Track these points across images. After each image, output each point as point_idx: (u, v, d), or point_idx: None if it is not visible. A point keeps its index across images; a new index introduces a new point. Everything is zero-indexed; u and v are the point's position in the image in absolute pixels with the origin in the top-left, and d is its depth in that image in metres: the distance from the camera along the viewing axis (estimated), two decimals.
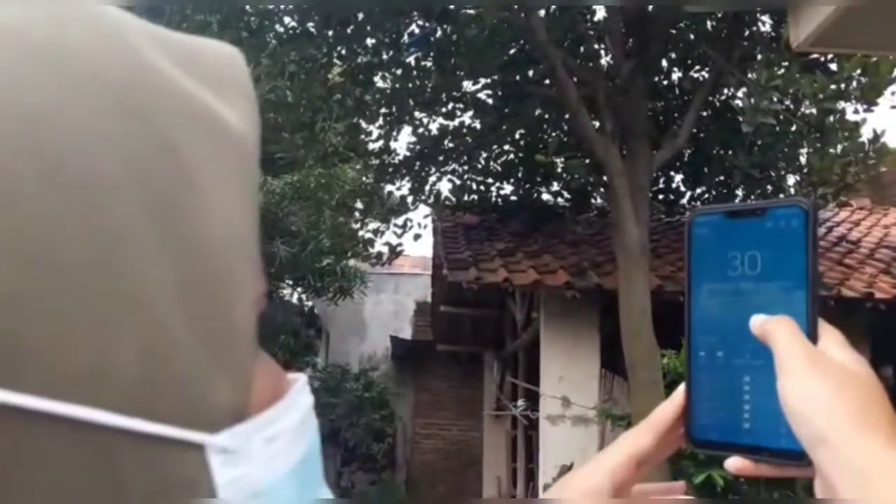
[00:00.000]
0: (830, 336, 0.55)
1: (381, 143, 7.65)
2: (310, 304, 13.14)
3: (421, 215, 8.88)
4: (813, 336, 0.54)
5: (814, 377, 0.51)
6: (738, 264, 0.57)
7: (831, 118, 5.74)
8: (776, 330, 0.54)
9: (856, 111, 6.33)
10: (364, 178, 7.88)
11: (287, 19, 6.30)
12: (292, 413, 0.36)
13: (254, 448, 0.32)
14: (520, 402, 8.84)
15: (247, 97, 0.36)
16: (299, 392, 0.39)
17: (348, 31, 6.51)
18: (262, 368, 0.36)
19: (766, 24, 6.56)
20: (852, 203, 9.85)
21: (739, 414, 0.57)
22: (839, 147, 6.02)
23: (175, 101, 0.31)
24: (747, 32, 6.29)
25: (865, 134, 6.35)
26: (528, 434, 8.77)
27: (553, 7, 6.42)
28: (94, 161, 0.28)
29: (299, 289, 11.94)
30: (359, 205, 8.13)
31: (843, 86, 5.83)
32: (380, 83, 7.15)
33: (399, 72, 7.03)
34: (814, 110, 5.81)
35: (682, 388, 0.60)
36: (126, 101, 0.29)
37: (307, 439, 0.37)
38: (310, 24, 6.44)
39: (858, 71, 5.66)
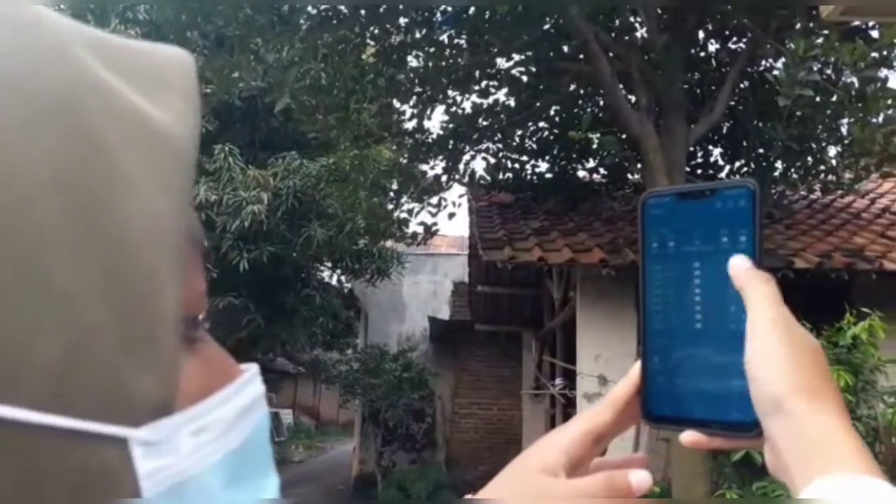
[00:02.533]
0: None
1: (414, 122, 7.67)
2: (349, 286, 13.31)
3: (456, 194, 8.88)
4: None
5: (781, 343, 0.53)
6: (689, 244, 0.60)
7: (872, 87, 5.57)
8: (755, 286, 0.56)
9: (881, 76, 6.14)
10: (398, 158, 7.92)
11: (318, 1, 6.34)
12: (229, 405, 0.38)
13: (180, 440, 0.33)
14: (557, 381, 8.84)
15: (185, 99, 0.37)
16: (244, 384, 0.40)
17: (380, 10, 6.53)
18: (203, 360, 0.37)
19: None
20: (894, 174, 9.57)
21: (692, 389, 0.58)
22: (881, 116, 5.85)
23: (103, 102, 0.32)
24: (785, 1, 6.13)
25: None
26: (566, 412, 8.78)
27: None
28: (15, 162, 0.28)
29: (338, 271, 12.11)
30: (393, 185, 8.17)
31: (884, 53, 5.66)
32: (412, 62, 7.16)
33: (432, 50, 7.04)
34: (854, 79, 5.65)
35: (638, 365, 0.62)
36: (52, 102, 0.30)
37: (246, 430, 0.38)
38: (341, 6, 6.48)
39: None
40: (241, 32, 5.94)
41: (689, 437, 0.58)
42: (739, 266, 0.57)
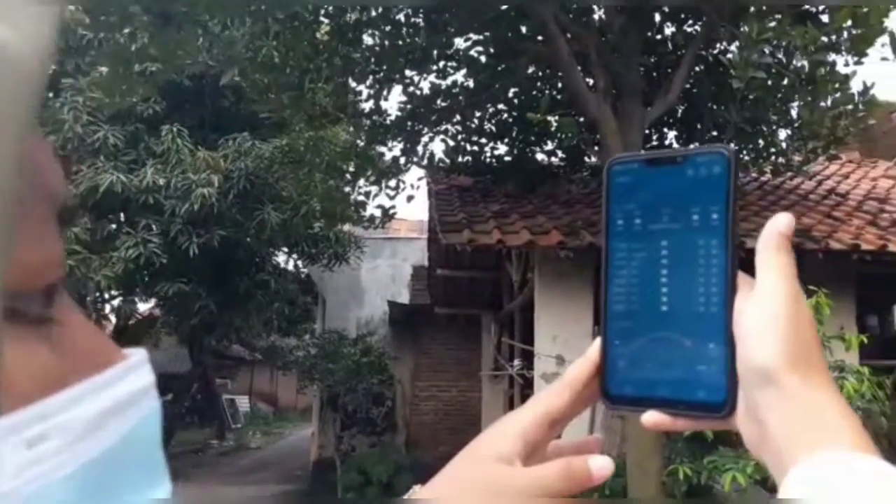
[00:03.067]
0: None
1: (371, 103, 7.55)
2: (306, 271, 13.16)
3: (414, 177, 8.82)
4: (732, 284, 0.53)
5: (788, 316, 0.50)
6: (657, 219, 0.56)
7: (822, 70, 5.66)
8: (778, 253, 0.53)
9: (846, 64, 6.26)
10: (355, 140, 7.79)
11: None
12: (90, 402, 0.30)
13: (5, 452, 0.27)
14: (516, 362, 8.89)
15: (32, 18, 0.31)
16: (119, 374, 0.33)
17: None
18: (57, 345, 0.30)
19: None
20: (842, 156, 9.83)
21: (655, 367, 0.56)
22: (829, 100, 5.96)
23: None
24: None
25: (855, 87, 6.30)
26: (524, 393, 8.83)
27: None
28: None
29: (294, 256, 11.94)
30: (350, 168, 8.04)
31: (833, 37, 5.76)
32: (368, 41, 7.03)
33: (388, 29, 6.91)
34: (805, 63, 5.74)
35: (597, 342, 0.59)
36: None
37: (116, 433, 0.31)
38: None
39: (849, 22, 5.59)
40: (188, 7, 5.73)
41: (651, 417, 0.55)
42: (772, 228, 0.54)
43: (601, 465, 0.54)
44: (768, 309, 0.51)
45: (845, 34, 5.41)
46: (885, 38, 5.92)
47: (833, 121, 6.56)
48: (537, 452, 0.55)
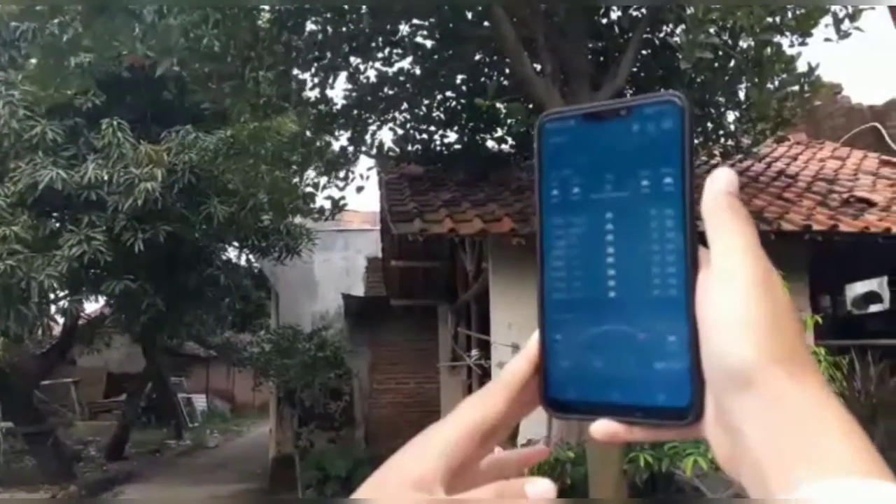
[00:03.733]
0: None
1: (316, 91, 7.36)
2: (258, 266, 12.92)
3: (364, 167, 8.66)
4: (693, 262, 0.44)
5: (759, 302, 0.41)
6: (599, 179, 0.48)
7: (768, 51, 5.68)
8: (732, 222, 0.43)
9: (791, 45, 6.29)
10: (300, 129, 7.58)
11: None
12: None
13: None
14: (473, 352, 8.84)
15: None
16: None
17: None
18: None
19: None
20: (790, 138, 9.97)
21: (605, 366, 0.47)
22: (776, 81, 5.98)
23: None
24: None
25: (800, 68, 6.34)
26: (482, 382, 8.79)
27: None
28: None
29: (245, 250, 11.70)
30: (296, 158, 7.85)
31: (778, 18, 5.77)
32: (311, 28, 6.83)
33: (330, 15, 6.73)
34: (751, 43, 5.74)
35: (535, 338, 0.50)
36: None
37: None
38: None
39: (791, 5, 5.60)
40: None
41: (602, 427, 0.46)
42: (714, 188, 0.45)
43: (541, 490, 0.45)
44: (736, 291, 0.41)
45: (790, 14, 5.42)
46: (828, 19, 5.96)
47: (780, 102, 6.61)
48: (467, 472, 0.46)
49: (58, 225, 9.98)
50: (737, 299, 0.41)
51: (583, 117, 0.49)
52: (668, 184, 0.45)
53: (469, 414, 0.47)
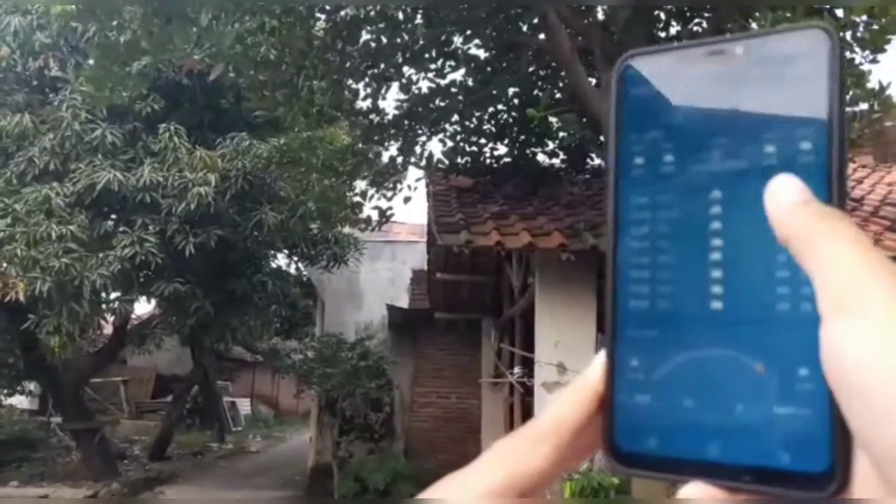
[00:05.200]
0: None
1: (368, 102, 7.37)
2: (306, 274, 13.01)
3: (412, 178, 8.63)
4: None
5: None
6: (703, 143, 0.35)
7: None
8: (831, 231, 0.30)
9: (861, 62, 6.02)
10: (352, 139, 7.59)
11: None
12: None
13: None
14: (516, 370, 8.68)
15: None
16: None
17: None
18: None
19: None
20: (855, 160, 9.57)
21: (702, 408, 0.34)
22: (846, 98, 5.73)
23: None
24: None
25: (870, 85, 6.06)
26: (524, 401, 8.61)
27: None
28: None
29: (295, 258, 11.78)
30: (346, 168, 7.86)
31: (849, 33, 5.53)
32: (365, 37, 6.84)
33: (385, 26, 6.72)
34: None
35: (599, 361, 0.37)
36: None
37: None
38: None
39: (864, 17, 5.36)
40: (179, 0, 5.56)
41: (696, 494, 0.33)
42: (785, 201, 0.32)
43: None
44: (877, 327, 0.28)
45: (862, 28, 5.18)
46: None
47: (848, 122, 6.32)
48: None
49: (112, 226, 10.21)
50: (882, 329, 0.28)
51: (682, 58, 0.36)
52: (806, 151, 0.32)
53: (502, 468, 0.36)
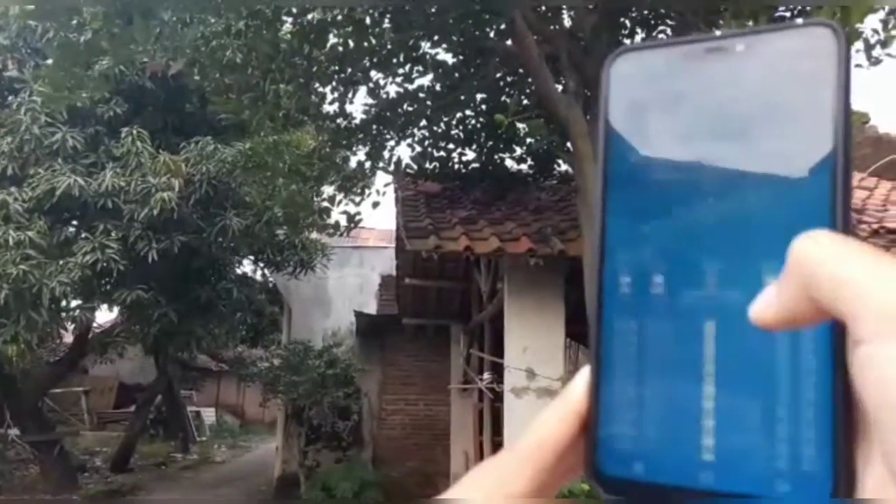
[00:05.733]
0: None
1: (335, 105, 7.31)
2: (272, 280, 12.86)
3: (381, 183, 8.58)
4: None
5: None
6: (698, 147, 0.32)
7: None
8: (869, 278, 0.27)
9: None
10: (318, 144, 7.51)
11: None
12: None
13: None
14: (485, 375, 8.67)
15: None
16: None
17: None
18: None
19: None
20: None
21: (695, 431, 0.31)
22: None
23: None
24: None
25: None
26: (494, 407, 8.60)
27: None
28: None
29: (260, 264, 11.64)
30: (313, 172, 7.79)
31: None
32: (332, 41, 6.79)
33: (352, 29, 6.68)
34: None
35: (580, 380, 0.35)
36: None
37: None
38: None
39: None
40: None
41: None
42: (811, 250, 0.28)
43: None
44: None
45: None
46: (859, 44, 5.82)
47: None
48: None
49: (73, 232, 9.98)
50: None
51: (678, 55, 0.34)
52: (810, 153, 0.30)
53: (479, 496, 0.34)
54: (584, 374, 0.35)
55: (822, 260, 0.28)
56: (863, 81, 7.97)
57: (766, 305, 0.29)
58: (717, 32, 0.34)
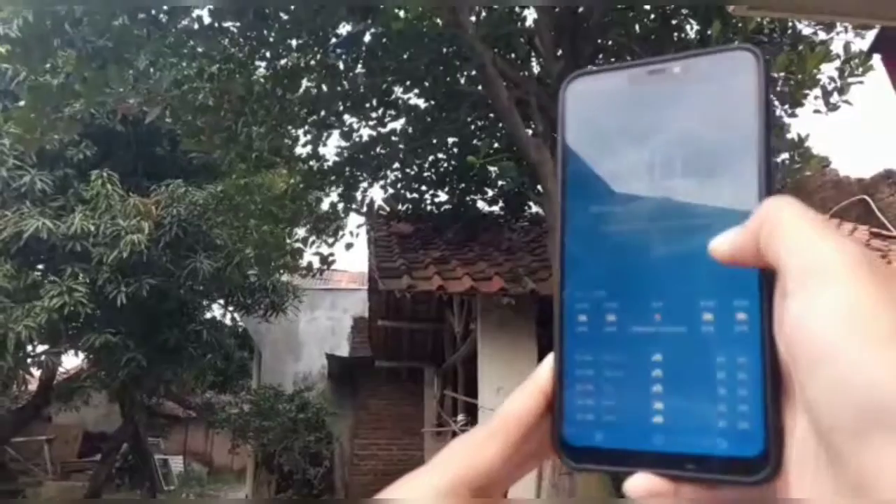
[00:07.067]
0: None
1: (308, 148, 7.35)
2: (242, 325, 12.71)
3: (354, 225, 8.60)
4: None
5: (884, 298, 0.28)
6: (647, 157, 0.37)
7: None
8: (792, 219, 0.31)
9: (780, 116, 6.35)
10: (290, 186, 7.53)
11: (199, 13, 5.97)
12: None
13: None
14: (459, 417, 8.61)
15: None
16: None
17: (272, 31, 6.24)
18: None
19: (693, 27, 6.57)
20: None
21: (646, 402, 0.36)
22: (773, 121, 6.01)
23: None
24: (676, 36, 6.27)
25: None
26: None
27: (482, 8, 6.29)
28: None
29: (230, 308, 11.51)
30: (286, 214, 7.79)
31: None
32: (306, 84, 6.87)
33: (325, 73, 6.77)
34: None
35: (547, 364, 0.39)
36: None
37: None
38: (229, 24, 6.15)
39: (783, 73, 5.67)
40: (115, 45, 5.49)
41: (641, 484, 0.34)
42: (772, 208, 0.33)
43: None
44: (839, 296, 0.29)
45: (780, 83, 5.47)
46: (817, 92, 6.04)
47: (774, 144, 6.61)
48: None
49: (40, 275, 9.81)
50: (846, 305, 0.28)
51: (624, 77, 0.38)
52: (736, 150, 0.35)
53: (453, 465, 0.37)
54: (549, 359, 0.38)
55: (775, 217, 0.32)
56: (822, 127, 8.25)
57: (723, 242, 0.33)
58: (660, 57, 0.38)
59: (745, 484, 0.32)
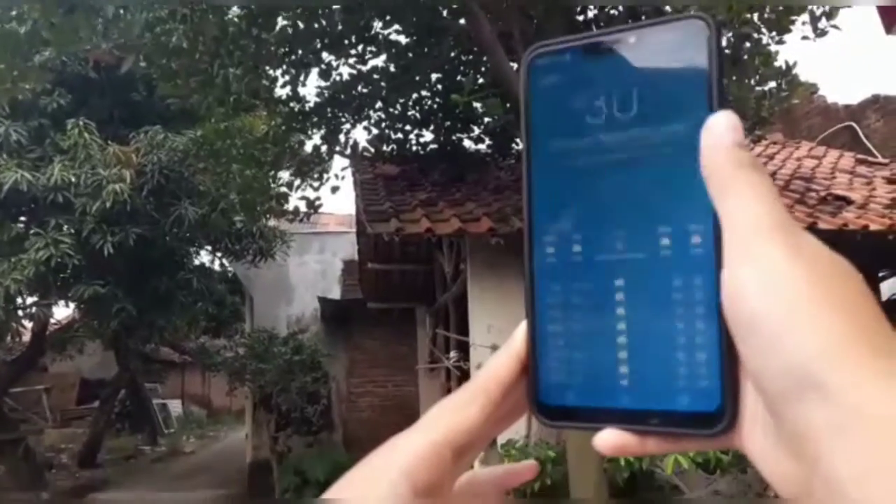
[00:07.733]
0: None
1: (287, 89, 7.17)
2: (232, 270, 12.71)
3: (339, 167, 8.49)
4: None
5: (799, 267, 0.31)
6: (605, 127, 0.39)
7: (747, 45, 5.61)
8: (742, 175, 0.34)
9: (768, 43, 6.23)
10: (271, 128, 7.37)
11: None
12: None
13: None
14: (452, 354, 8.73)
15: None
16: None
17: None
18: None
19: None
20: (766, 137, 9.95)
21: (613, 363, 0.38)
22: (755, 78, 5.92)
23: None
24: None
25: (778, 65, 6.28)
26: (461, 385, 8.66)
27: None
28: None
29: (218, 254, 11.48)
30: (268, 157, 7.67)
31: (756, 15, 5.72)
32: (281, 23, 6.66)
33: (302, 11, 6.56)
34: (730, 38, 5.67)
35: (522, 328, 0.42)
36: None
37: None
38: None
39: None
40: None
41: (609, 439, 0.38)
42: (714, 141, 0.35)
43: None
44: (774, 263, 0.32)
45: (768, 10, 5.35)
46: (805, 17, 5.92)
47: (758, 101, 6.55)
48: (437, 494, 0.38)
49: (23, 228, 9.72)
50: (779, 272, 0.31)
51: (584, 47, 0.40)
52: (692, 123, 0.36)
53: (438, 425, 0.39)
54: (524, 325, 0.41)
55: (710, 160, 0.35)
56: (810, 53, 8.12)
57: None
58: (616, 27, 0.40)
59: (704, 436, 0.36)
